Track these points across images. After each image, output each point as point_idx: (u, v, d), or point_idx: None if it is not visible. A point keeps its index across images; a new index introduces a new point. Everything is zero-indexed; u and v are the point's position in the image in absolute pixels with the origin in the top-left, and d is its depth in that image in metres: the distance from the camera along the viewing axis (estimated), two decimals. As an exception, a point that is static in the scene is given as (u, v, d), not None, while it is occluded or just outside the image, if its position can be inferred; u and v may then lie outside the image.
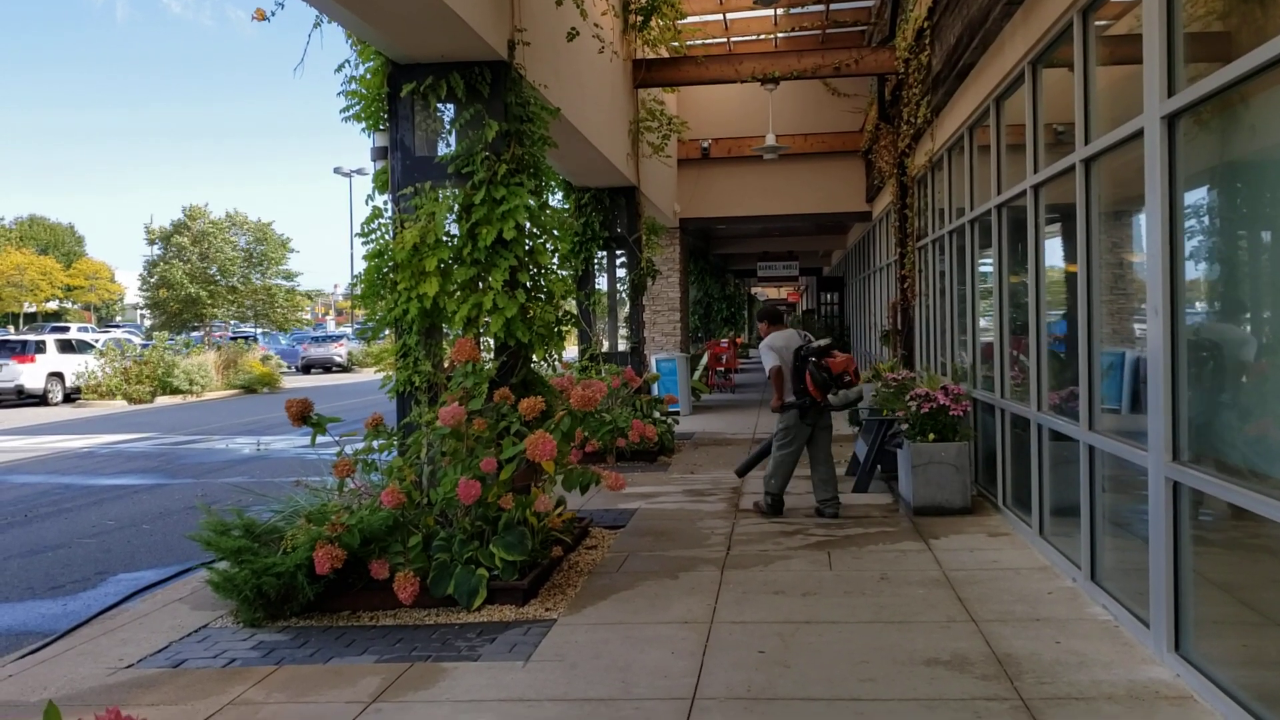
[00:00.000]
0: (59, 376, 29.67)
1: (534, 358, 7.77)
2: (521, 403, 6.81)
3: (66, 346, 30.89)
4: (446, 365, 7.60)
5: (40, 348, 29.83)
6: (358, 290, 7.97)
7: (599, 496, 10.02)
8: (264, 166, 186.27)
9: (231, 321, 44.38)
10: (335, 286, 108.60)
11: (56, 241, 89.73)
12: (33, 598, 7.86)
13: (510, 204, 7.27)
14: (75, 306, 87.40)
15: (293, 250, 38.66)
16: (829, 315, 30.91)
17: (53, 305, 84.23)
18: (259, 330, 47.50)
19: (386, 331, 7.98)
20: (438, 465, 6.94)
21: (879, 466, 10.58)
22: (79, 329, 47.82)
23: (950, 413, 9.24)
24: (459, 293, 7.49)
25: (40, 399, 29.02)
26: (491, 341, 7.59)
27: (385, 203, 7.82)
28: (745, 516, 9.16)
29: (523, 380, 7.65)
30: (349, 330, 59.73)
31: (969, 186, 10.52)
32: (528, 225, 7.52)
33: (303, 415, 7.05)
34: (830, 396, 9.03)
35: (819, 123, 19.84)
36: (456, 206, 7.47)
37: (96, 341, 32.21)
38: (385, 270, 7.63)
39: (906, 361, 14.01)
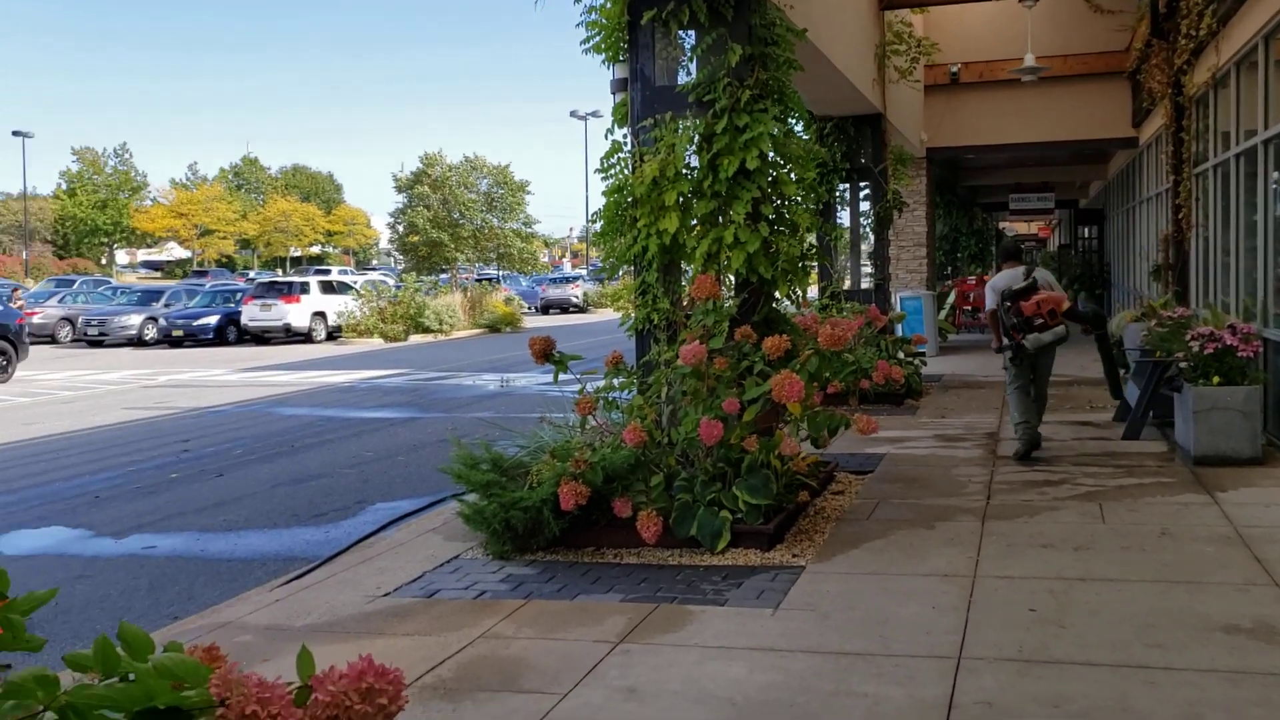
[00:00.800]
0: (322, 316, 31.63)
1: (777, 295, 7.45)
2: (765, 341, 6.52)
3: (328, 288, 32.90)
4: (686, 303, 7.39)
5: (305, 289, 31.88)
6: (596, 228, 7.86)
7: (843, 440, 9.60)
8: (500, 111, 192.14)
9: (475, 265, 46.05)
10: (570, 230, 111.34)
11: (317, 189, 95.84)
12: (298, 524, 8.27)
13: (753, 132, 6.93)
14: (335, 251, 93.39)
15: (530, 193, 39.44)
16: (1086, 251, 28.87)
17: (315, 250, 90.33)
18: (500, 273, 49.21)
19: (624, 270, 7.85)
20: (678, 405, 6.77)
21: (1150, 412, 9.70)
22: (339, 272, 50.97)
23: (1238, 354, 8.33)
24: (699, 227, 7.23)
25: (305, 337, 31.05)
26: (732, 279, 7.31)
27: (624, 137, 7.64)
28: (1005, 464, 8.58)
29: (765, 318, 7.34)
30: (584, 272, 61.06)
31: (1263, 104, 9.38)
32: (771, 154, 7.16)
33: (545, 353, 7.03)
34: (1024, 341, 8.68)
35: (1079, 43, 18.33)
36: (697, 137, 7.19)
37: (355, 283, 34.16)
38: (624, 206, 7.46)
39: (1180, 298, 12.83)
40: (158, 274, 76.94)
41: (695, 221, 7.22)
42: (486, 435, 8.24)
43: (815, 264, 9.02)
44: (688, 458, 6.69)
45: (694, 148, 7.15)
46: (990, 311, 9.03)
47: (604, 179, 7.49)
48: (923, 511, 7.07)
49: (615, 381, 7.08)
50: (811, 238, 7.66)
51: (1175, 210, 13.26)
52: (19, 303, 32.05)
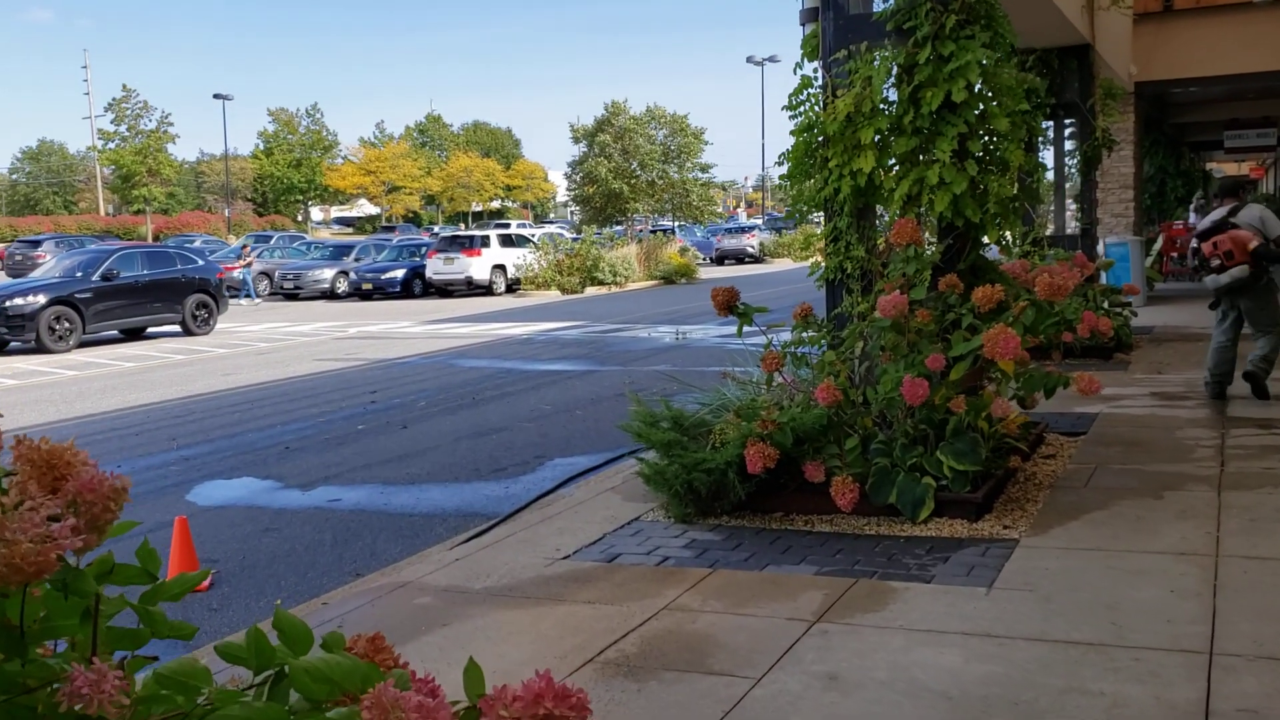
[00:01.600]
0: (501, 269, 32.06)
1: (985, 240, 6.82)
2: (975, 292, 5.94)
3: (507, 241, 33.30)
4: (881, 250, 6.85)
5: (485, 242, 32.34)
6: (782, 170, 7.37)
7: (1052, 398, 8.90)
8: (675, 61, 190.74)
9: (651, 216, 45.88)
10: (745, 179, 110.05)
11: (497, 145, 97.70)
12: (478, 479, 8.18)
13: (960, 60, 6.29)
14: (514, 205, 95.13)
15: (707, 142, 38.88)
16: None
17: (495, 204, 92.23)
18: (676, 224, 48.91)
19: (813, 217, 7.36)
20: (875, 361, 6.27)
21: None
22: (517, 225, 51.70)
23: None
24: (898, 167, 6.66)
25: (486, 289, 31.55)
26: (936, 223, 6.72)
27: (814, 71, 7.10)
28: (1238, 426, 7.72)
29: (971, 266, 6.73)
30: (759, 221, 60.11)
31: None
32: (979, 85, 6.51)
33: (729, 305, 6.63)
34: (1207, 281, 8.66)
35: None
36: (895, 68, 6.59)
37: (533, 237, 34.47)
38: (814, 146, 6.95)
39: None
40: (349, 230, 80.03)
41: (893, 161, 6.66)
42: (664, 390, 7.98)
43: (1026, 206, 8.29)
44: (885, 419, 6.20)
45: (892, 80, 6.56)
46: (1192, 250, 8.91)
47: (792, 117, 7.00)
48: (1147, 479, 6.37)
49: (805, 335, 6.64)
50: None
51: None
52: (248, 257, 33.68)
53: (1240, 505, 5.72)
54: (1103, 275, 13.24)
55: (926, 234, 6.72)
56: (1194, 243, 8.79)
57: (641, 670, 4.03)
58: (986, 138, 6.57)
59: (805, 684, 3.82)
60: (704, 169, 40.46)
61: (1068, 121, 13.42)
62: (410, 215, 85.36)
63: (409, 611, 4.89)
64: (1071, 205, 13.89)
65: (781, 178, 7.26)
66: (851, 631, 4.30)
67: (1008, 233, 6.80)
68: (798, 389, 6.65)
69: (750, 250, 46.52)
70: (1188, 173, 28.62)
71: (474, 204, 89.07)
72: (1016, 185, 6.88)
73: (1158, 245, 20.55)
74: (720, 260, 46.32)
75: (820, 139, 6.86)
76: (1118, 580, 4.69)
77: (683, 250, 36.85)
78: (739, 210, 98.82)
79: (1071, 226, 13.63)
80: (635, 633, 4.41)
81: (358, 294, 32.31)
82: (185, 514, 7.52)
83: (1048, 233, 13.33)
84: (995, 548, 5.26)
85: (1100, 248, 15.14)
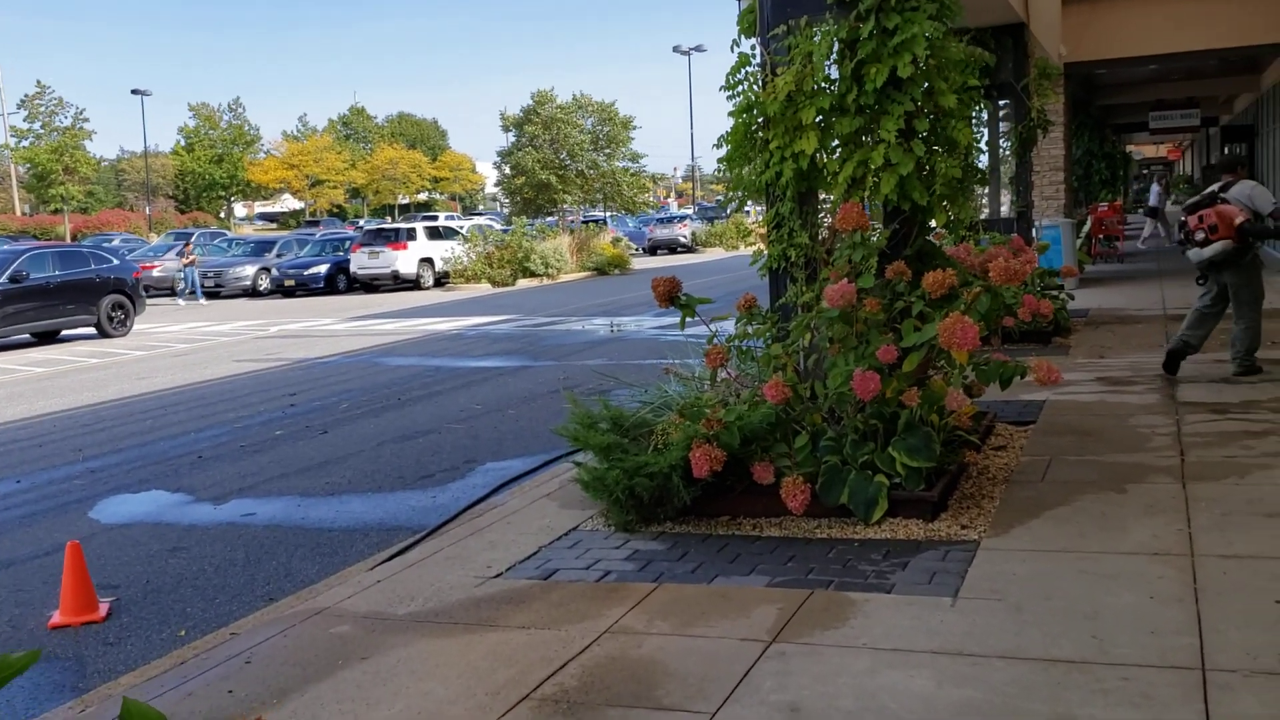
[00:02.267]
0: (429, 262, 31.35)
1: (933, 224, 6.50)
2: (927, 277, 5.62)
3: (435, 233, 32.57)
4: (825, 237, 6.51)
5: (411, 235, 31.58)
6: (721, 153, 6.97)
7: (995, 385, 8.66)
8: (599, 48, 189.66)
9: (582, 206, 45.35)
10: (675, 170, 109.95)
11: (423, 136, 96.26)
12: (403, 488, 7.69)
13: (905, 34, 5.94)
14: (442, 197, 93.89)
15: (636, 128, 38.45)
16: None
17: (422, 197, 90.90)
18: (607, 214, 48.40)
19: (750, 206, 6.99)
20: (823, 354, 5.92)
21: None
22: (445, 217, 50.80)
23: None
24: (841, 149, 6.31)
25: (413, 284, 30.82)
26: (881, 207, 6.37)
27: (752, 48, 6.71)
28: (1192, 412, 7.52)
29: (918, 252, 6.41)
30: (691, 211, 59.86)
31: None
32: (925, 60, 6.17)
33: (670, 295, 6.24)
34: (1190, 254, 8.71)
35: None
36: (837, 44, 6.22)
37: (461, 229, 33.78)
38: (754, 128, 6.57)
39: None
40: (273, 225, 78.31)
41: (836, 143, 6.30)
42: (600, 386, 7.60)
43: (978, 187, 7.99)
44: (835, 414, 5.85)
45: (834, 57, 6.20)
46: (1179, 224, 8.93)
47: (730, 97, 6.60)
48: (1106, 471, 6.11)
49: (749, 328, 6.26)
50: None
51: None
52: (190, 255, 32.28)
53: (1208, 498, 5.46)
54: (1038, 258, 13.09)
55: (871, 218, 6.38)
56: (1181, 216, 8.76)
57: (583, 707, 3.62)
58: (933, 116, 6.25)
59: (765, 717, 3.44)
60: (634, 158, 40.04)
61: (1001, 103, 13.23)
62: (335, 209, 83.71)
63: (325, 643, 4.42)
64: (1006, 189, 13.70)
65: (720, 161, 6.87)
66: (811, 653, 3.93)
67: (958, 214, 6.47)
68: (743, 384, 6.28)
69: (683, 240, 46.22)
70: (1111, 155, 28.90)
71: (400, 196, 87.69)
72: (972, 165, 6.57)
73: (1087, 227, 20.60)
74: (653, 250, 45.94)
75: (760, 120, 6.48)
76: (1092, 585, 4.39)
77: (615, 241, 36.41)
78: (670, 200, 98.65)
79: (1007, 209, 13.44)
80: (575, 661, 4.00)
81: (280, 291, 31.39)
82: (87, 533, 6.98)
83: (983, 216, 13.14)
84: (955, 550, 4.94)
85: (1035, 231, 15.02)
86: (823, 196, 6.66)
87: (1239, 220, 8.28)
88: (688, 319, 6.29)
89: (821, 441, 5.75)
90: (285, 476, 8.19)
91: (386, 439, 9.39)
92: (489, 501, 6.72)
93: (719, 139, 6.80)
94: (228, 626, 4.96)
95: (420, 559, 5.47)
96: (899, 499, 5.44)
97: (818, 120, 6.24)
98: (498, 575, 5.11)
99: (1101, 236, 22.23)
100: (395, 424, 10.08)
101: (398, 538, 6.19)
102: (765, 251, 6.65)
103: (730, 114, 6.62)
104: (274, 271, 32.06)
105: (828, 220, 6.46)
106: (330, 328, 20.47)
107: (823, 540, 5.27)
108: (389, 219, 71.90)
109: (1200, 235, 8.44)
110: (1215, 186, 8.67)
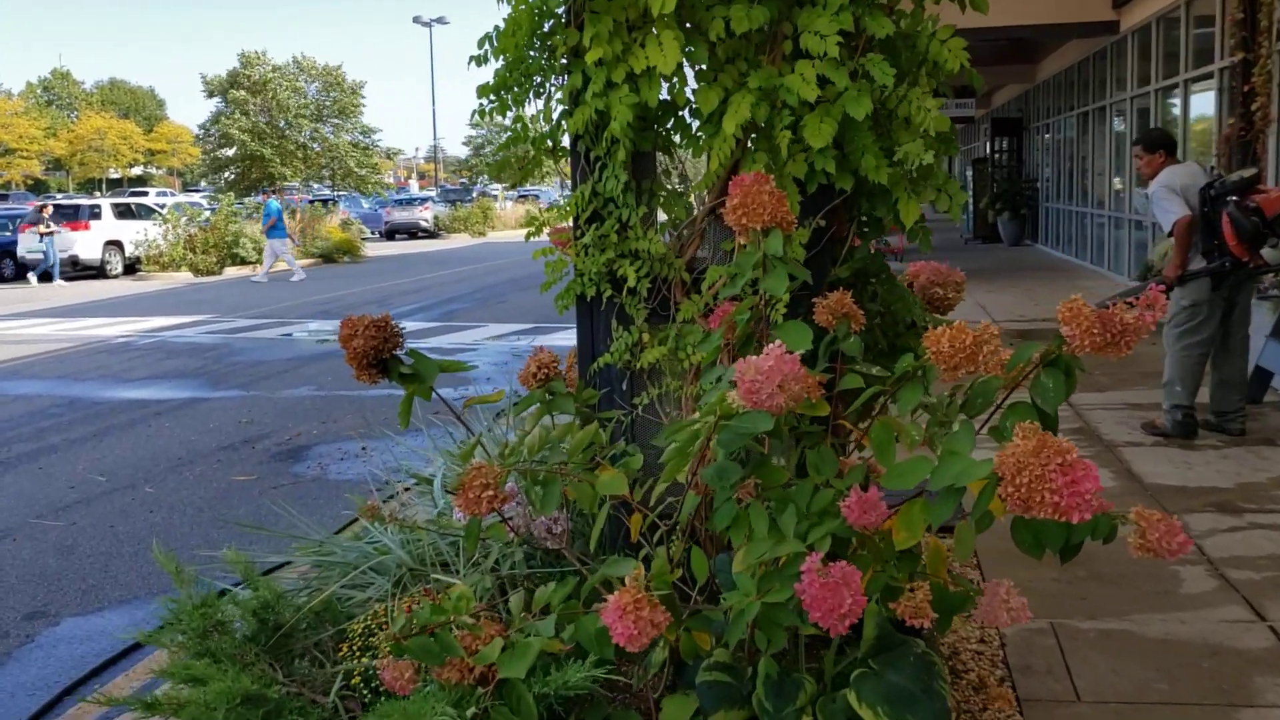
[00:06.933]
0: (117, 245, 26.28)
1: (882, 219, 3.53)
2: (932, 337, 2.62)
3: (125, 212, 27.40)
4: (689, 239, 3.47)
5: (95, 213, 26.38)
6: (483, 79, 3.75)
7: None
8: (333, 13, 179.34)
9: (308, 184, 40.55)
10: (417, 150, 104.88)
11: (138, 105, 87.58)
12: None
13: None
14: (159, 172, 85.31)
15: (365, 97, 34.25)
16: (1000, 166, 25.57)
17: (137, 171, 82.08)
18: (338, 194, 43.67)
19: (498, 188, 3.84)
20: (721, 501, 2.82)
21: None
22: (158, 194, 44.64)
23: None
24: (724, 71, 3.24)
25: (97, 271, 25.72)
26: (796, 184, 3.34)
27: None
28: (1134, 448, 4.98)
29: (857, 271, 3.45)
30: (434, 193, 55.60)
31: None
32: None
33: (377, 358, 3.01)
34: (1269, 248, 6.29)
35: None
36: None
37: (161, 207, 28.63)
38: (549, 31, 3.43)
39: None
40: (-54, 198, 67.94)
41: (713, 67, 3.26)
42: (295, 445, 4.17)
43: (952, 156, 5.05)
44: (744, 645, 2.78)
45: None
46: (1184, 220, 6.12)
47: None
48: (1149, 658, 3.36)
49: (549, 424, 3.10)
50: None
51: (1244, 99, 9.92)
52: (48, 225, 24.53)
53: None
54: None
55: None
56: (1232, 197, 6.03)
57: None
58: (903, 21, 3.29)
59: None
60: (366, 131, 35.77)
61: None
62: (31, 182, 73.89)
63: None
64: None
65: (481, 90, 3.62)
66: None
67: (933, 202, 3.53)
68: (547, 535, 3.12)
69: (424, 224, 42.14)
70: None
71: (111, 170, 78.71)
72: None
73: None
74: (391, 235, 41.64)
75: (563, 11, 3.35)
76: None
77: (345, 224, 32.01)
78: (411, 182, 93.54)
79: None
80: None
81: (-79, 278, 25.52)
82: None
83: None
84: None
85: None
86: (681, 157, 3.62)
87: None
88: (421, 400, 3.06)
89: (703, 674, 2.67)
90: None
91: (-90, 558, 5.60)
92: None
93: (479, 52, 3.57)
94: None
95: None
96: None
97: (678, 14, 3.17)
98: None
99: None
100: (-52, 518, 6.26)
101: None
102: (571, 266, 3.50)
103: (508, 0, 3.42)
104: (-87, 255, 26.06)
105: (698, 208, 3.40)
106: (-45, 331, 15.67)
107: None
108: (96, 194, 63.71)
109: None
110: (1198, 169, 6.70)
